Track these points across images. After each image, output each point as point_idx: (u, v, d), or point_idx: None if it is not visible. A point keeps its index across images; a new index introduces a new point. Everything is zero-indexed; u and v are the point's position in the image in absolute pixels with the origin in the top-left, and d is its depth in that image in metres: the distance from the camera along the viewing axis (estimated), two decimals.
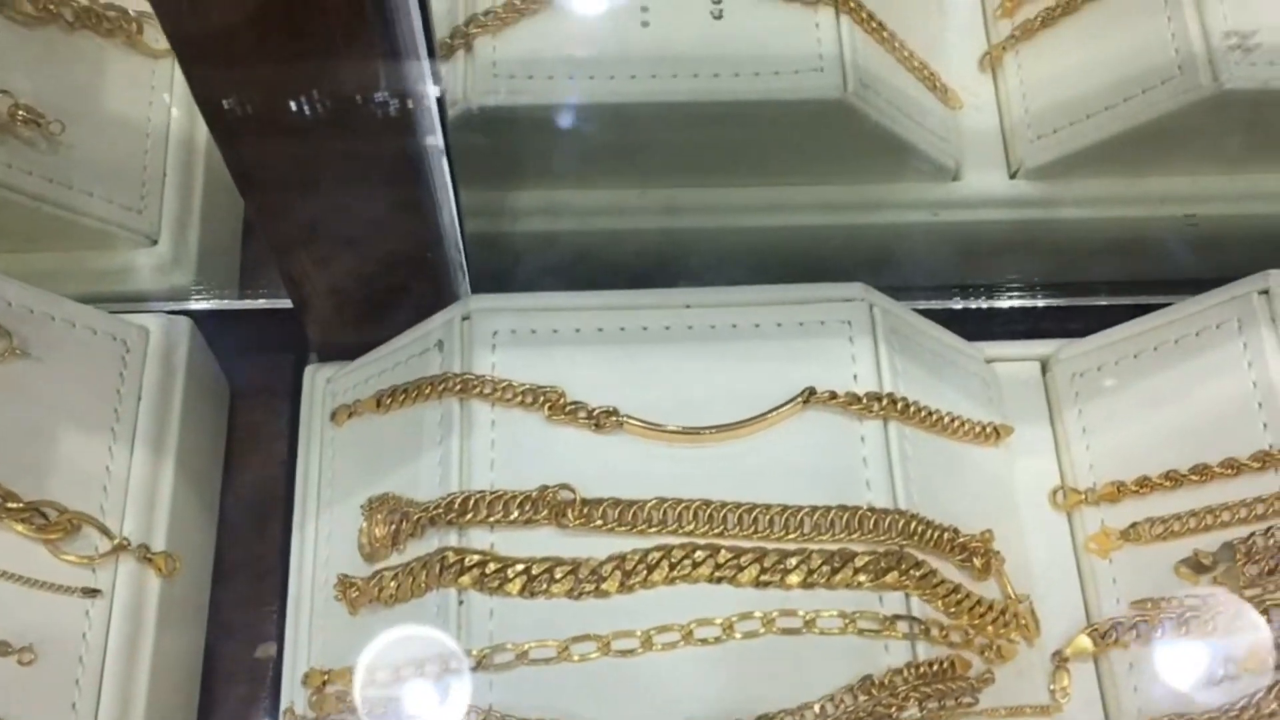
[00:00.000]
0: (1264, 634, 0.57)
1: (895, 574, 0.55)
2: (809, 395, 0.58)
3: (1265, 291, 0.62)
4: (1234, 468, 0.60)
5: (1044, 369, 0.69)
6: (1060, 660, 0.62)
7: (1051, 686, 0.62)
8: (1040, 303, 0.73)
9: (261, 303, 0.72)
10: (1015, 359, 0.69)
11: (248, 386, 0.73)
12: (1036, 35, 0.74)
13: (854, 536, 0.56)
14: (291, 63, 0.46)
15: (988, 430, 0.65)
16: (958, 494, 0.61)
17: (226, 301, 0.71)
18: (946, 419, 0.62)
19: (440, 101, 0.51)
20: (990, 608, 0.59)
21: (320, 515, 0.61)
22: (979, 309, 0.74)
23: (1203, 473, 0.61)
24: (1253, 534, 0.59)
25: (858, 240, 0.74)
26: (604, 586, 0.53)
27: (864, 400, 0.58)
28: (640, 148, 0.69)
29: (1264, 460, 0.60)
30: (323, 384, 0.66)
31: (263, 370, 0.73)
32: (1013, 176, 0.73)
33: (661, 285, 0.62)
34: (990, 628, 0.59)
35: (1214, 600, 0.59)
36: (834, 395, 0.58)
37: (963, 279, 0.75)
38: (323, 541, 0.61)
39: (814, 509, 0.56)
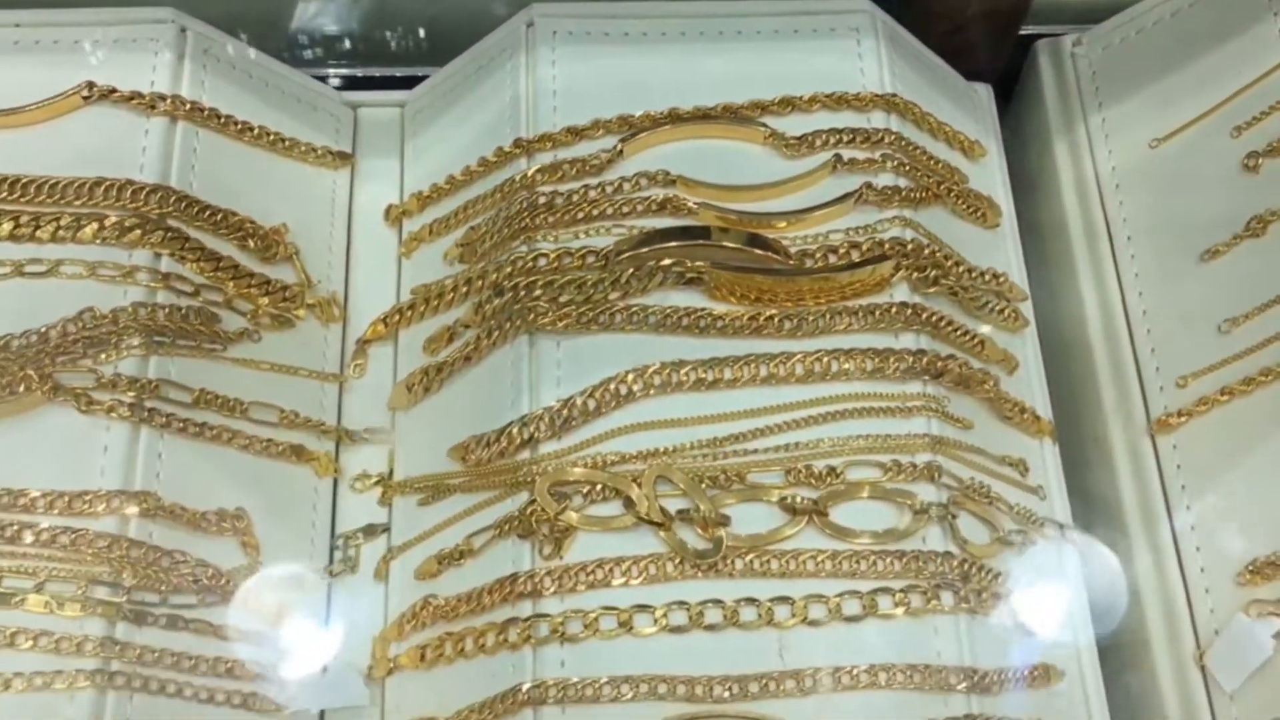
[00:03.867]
0: None
1: (139, 233, 0.64)
2: (90, 90, 0.67)
3: (530, 24, 0.72)
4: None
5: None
6: (361, 342, 0.72)
7: (355, 361, 0.72)
8: None
9: None
10: (378, 104, 0.79)
11: None
12: None
13: (113, 204, 0.65)
14: None
15: (319, 151, 0.74)
16: (258, 194, 0.71)
17: None
18: (257, 131, 0.72)
19: None
20: (267, 282, 0.69)
21: None
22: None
23: (468, 173, 0.71)
24: None
25: None
26: None
27: (148, 99, 0.68)
28: None
29: None
30: None
31: None
32: None
33: None
34: (265, 299, 0.68)
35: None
36: (114, 91, 0.67)
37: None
38: None
39: (75, 179, 0.65)
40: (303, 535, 0.67)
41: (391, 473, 0.69)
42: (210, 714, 0.60)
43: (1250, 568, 0.63)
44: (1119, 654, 0.67)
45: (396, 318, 0.71)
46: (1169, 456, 0.68)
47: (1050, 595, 0.64)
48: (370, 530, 0.68)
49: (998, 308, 0.69)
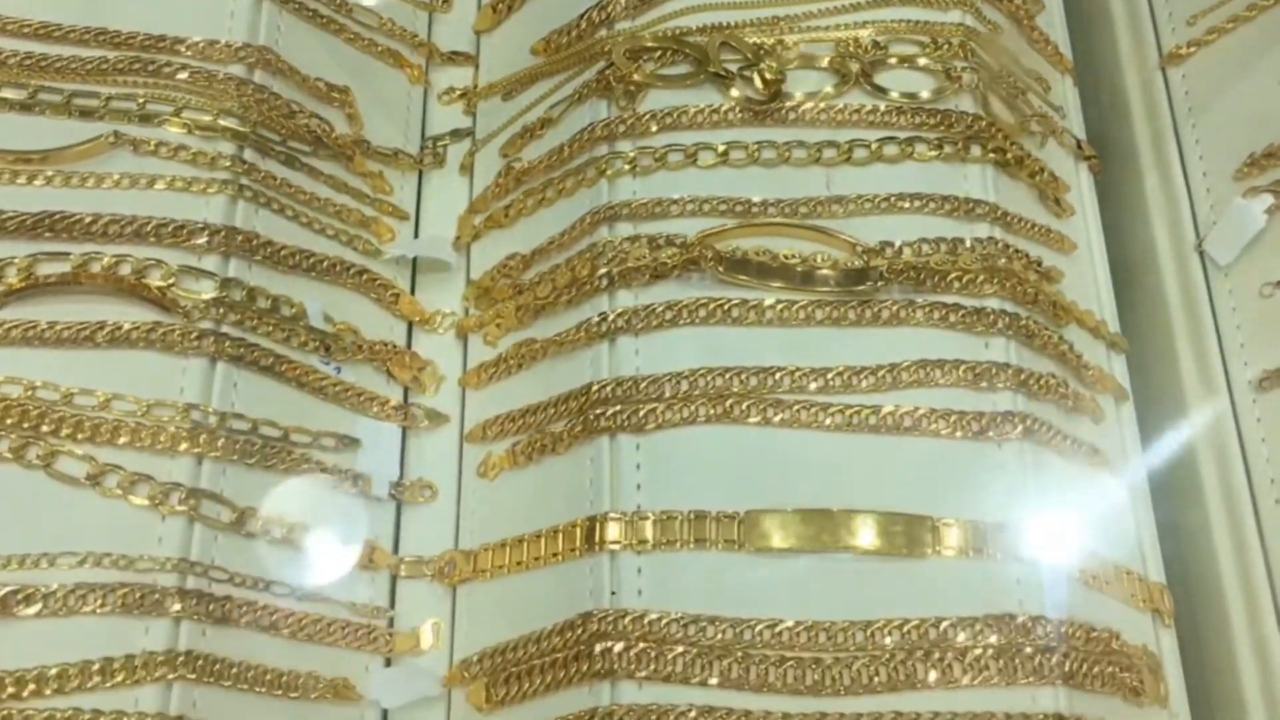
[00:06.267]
0: None
1: None
2: None
3: None
4: None
5: None
6: None
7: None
8: None
9: None
10: None
11: None
12: None
13: None
14: None
15: None
16: None
17: None
18: None
19: None
20: None
21: None
22: None
23: None
24: None
25: None
26: None
27: None
28: None
29: None
30: None
31: None
32: None
33: None
34: None
35: None
36: None
37: None
38: None
39: None
40: (397, 130, 0.75)
41: (476, 87, 0.77)
42: (322, 244, 0.68)
43: (1247, 162, 0.71)
44: (1124, 257, 0.74)
45: None
46: (1178, 85, 0.76)
47: (1063, 184, 0.71)
48: (456, 133, 0.76)
49: None
